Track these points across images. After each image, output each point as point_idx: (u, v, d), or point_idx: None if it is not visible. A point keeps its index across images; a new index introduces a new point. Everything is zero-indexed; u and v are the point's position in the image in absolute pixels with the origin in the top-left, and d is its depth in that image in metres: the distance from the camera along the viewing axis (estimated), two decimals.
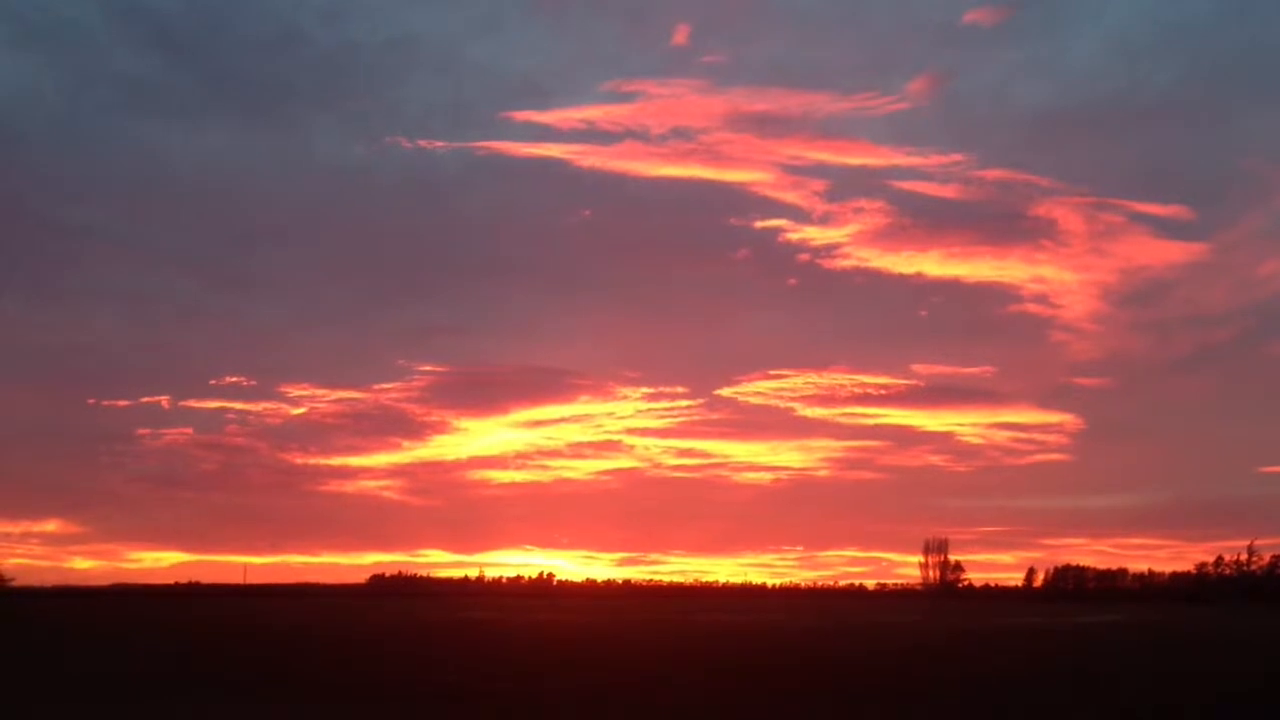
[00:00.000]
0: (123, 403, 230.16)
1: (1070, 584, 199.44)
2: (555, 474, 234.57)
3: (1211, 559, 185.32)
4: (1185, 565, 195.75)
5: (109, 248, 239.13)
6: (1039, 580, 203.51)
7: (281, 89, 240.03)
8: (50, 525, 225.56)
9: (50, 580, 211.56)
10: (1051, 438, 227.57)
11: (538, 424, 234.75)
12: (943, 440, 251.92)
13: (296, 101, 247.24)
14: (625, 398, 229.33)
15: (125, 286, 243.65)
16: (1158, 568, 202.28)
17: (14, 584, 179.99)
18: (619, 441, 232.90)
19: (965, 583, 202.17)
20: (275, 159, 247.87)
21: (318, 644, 48.16)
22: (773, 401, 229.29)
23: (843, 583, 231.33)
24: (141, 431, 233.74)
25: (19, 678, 31.07)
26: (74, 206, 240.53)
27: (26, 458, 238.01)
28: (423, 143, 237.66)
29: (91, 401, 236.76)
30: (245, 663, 36.93)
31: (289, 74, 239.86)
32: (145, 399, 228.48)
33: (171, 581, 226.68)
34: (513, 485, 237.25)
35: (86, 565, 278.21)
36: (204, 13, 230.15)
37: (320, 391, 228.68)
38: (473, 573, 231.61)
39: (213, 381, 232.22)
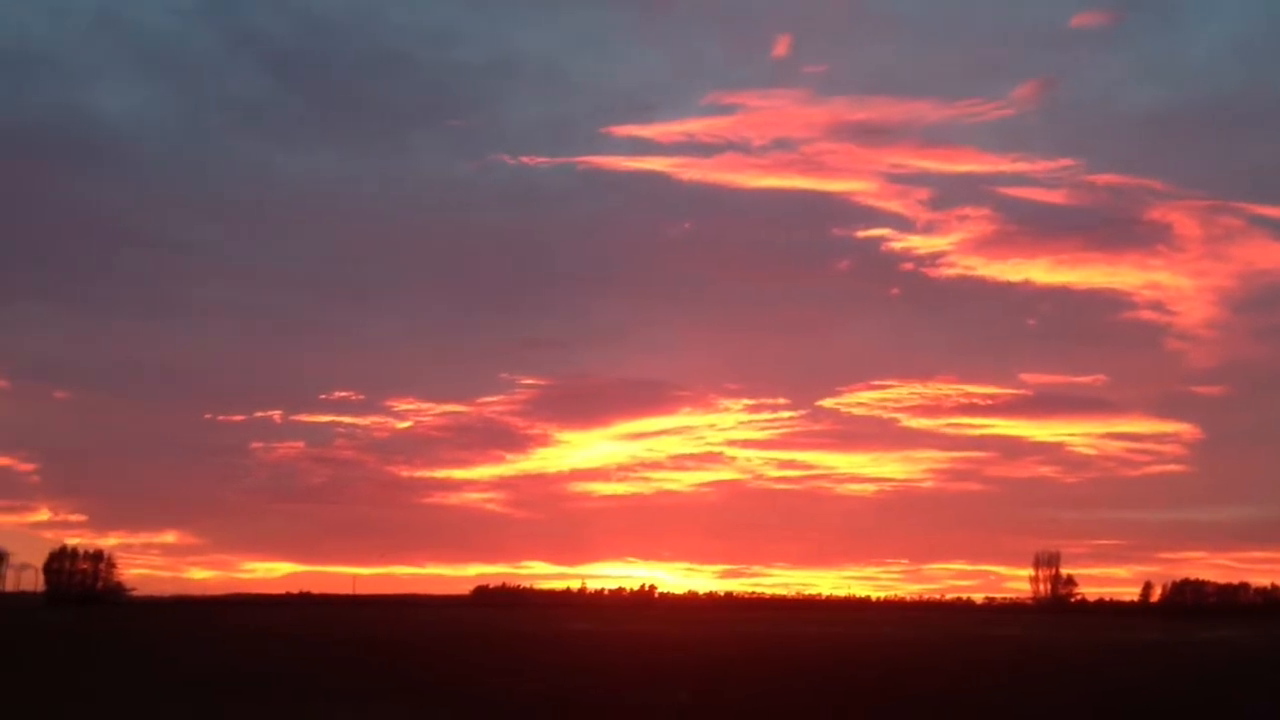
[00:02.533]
0: (237, 417, 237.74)
1: (1189, 599, 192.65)
2: (656, 486, 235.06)
3: None
4: None
5: (224, 266, 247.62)
6: (1156, 595, 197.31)
7: (388, 110, 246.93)
8: (169, 536, 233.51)
9: (169, 590, 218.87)
10: (1168, 448, 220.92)
11: (639, 436, 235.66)
12: (1053, 451, 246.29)
13: (403, 122, 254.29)
14: (727, 409, 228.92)
15: (239, 303, 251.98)
16: None
17: (135, 593, 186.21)
18: (720, 453, 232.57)
19: (1078, 597, 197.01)
20: (382, 178, 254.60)
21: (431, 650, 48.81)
22: (876, 412, 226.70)
23: (950, 596, 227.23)
24: (255, 445, 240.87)
25: (137, 680, 32.09)
26: (190, 226, 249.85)
27: (147, 471, 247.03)
28: (525, 159, 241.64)
29: (208, 416, 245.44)
30: (355, 668, 37.60)
31: (396, 95, 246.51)
32: (258, 413, 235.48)
33: (283, 592, 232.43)
34: (614, 497, 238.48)
35: (203, 575, 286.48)
36: (315, 39, 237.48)
37: (425, 405, 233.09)
38: (574, 585, 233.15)
39: (322, 396, 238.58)
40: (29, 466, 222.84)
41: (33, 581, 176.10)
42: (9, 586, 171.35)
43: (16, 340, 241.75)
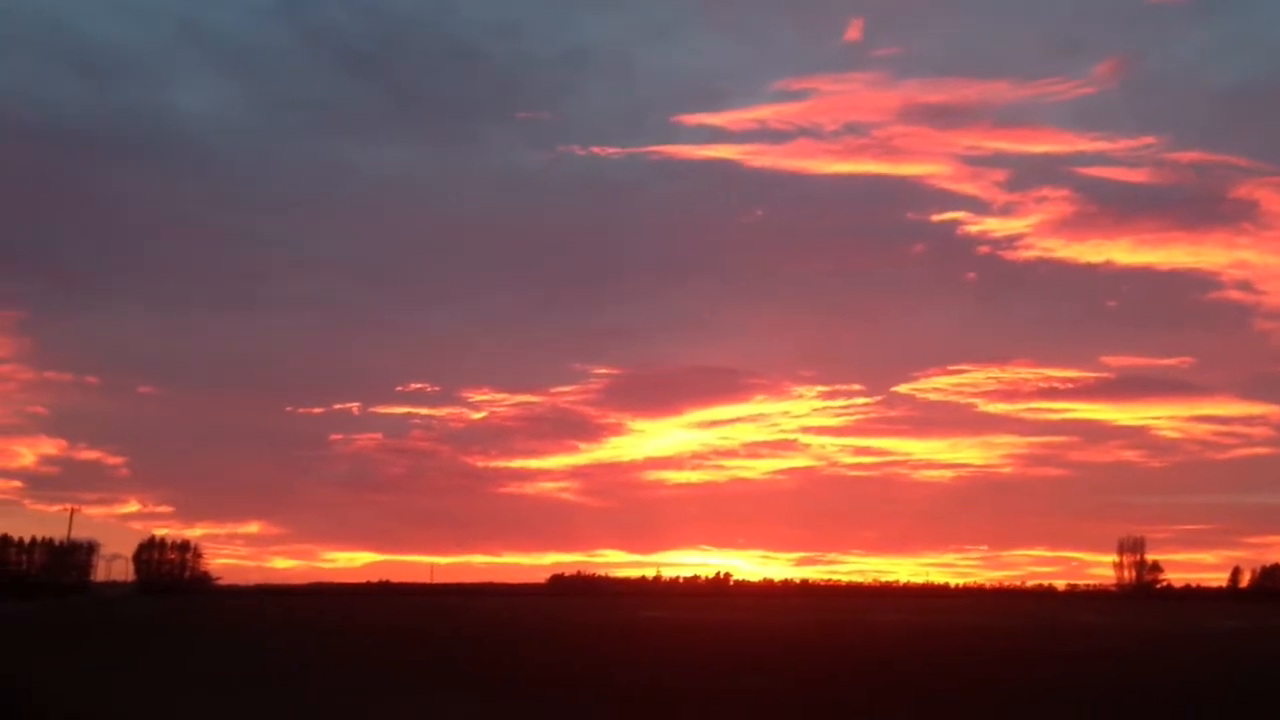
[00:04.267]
0: (317, 410, 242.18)
1: (1279, 584, 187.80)
2: (731, 474, 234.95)
3: None
4: None
5: (301, 261, 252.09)
6: (1245, 580, 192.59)
7: (459, 104, 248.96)
8: (253, 527, 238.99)
9: (253, 579, 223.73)
10: (1256, 430, 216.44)
11: (713, 424, 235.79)
12: (1137, 435, 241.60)
13: (473, 115, 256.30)
14: (800, 396, 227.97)
15: (316, 298, 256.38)
16: None
17: (221, 582, 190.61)
18: (795, 440, 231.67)
19: (1164, 583, 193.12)
20: (454, 172, 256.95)
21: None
22: (952, 398, 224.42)
23: (1030, 583, 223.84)
24: (334, 437, 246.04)
25: (217, 669, 33.10)
26: (267, 221, 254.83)
27: (231, 463, 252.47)
28: (596, 150, 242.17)
29: (288, 409, 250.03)
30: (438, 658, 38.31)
31: (466, 89, 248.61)
32: (337, 406, 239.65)
33: (363, 580, 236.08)
34: (688, 485, 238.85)
35: (286, 565, 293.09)
36: (385, 34, 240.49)
37: (499, 396, 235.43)
38: (650, 572, 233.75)
39: (399, 388, 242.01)
40: (118, 460, 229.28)
41: (123, 571, 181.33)
42: (100, 576, 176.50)
43: (104, 337, 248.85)
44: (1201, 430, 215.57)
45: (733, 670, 32.74)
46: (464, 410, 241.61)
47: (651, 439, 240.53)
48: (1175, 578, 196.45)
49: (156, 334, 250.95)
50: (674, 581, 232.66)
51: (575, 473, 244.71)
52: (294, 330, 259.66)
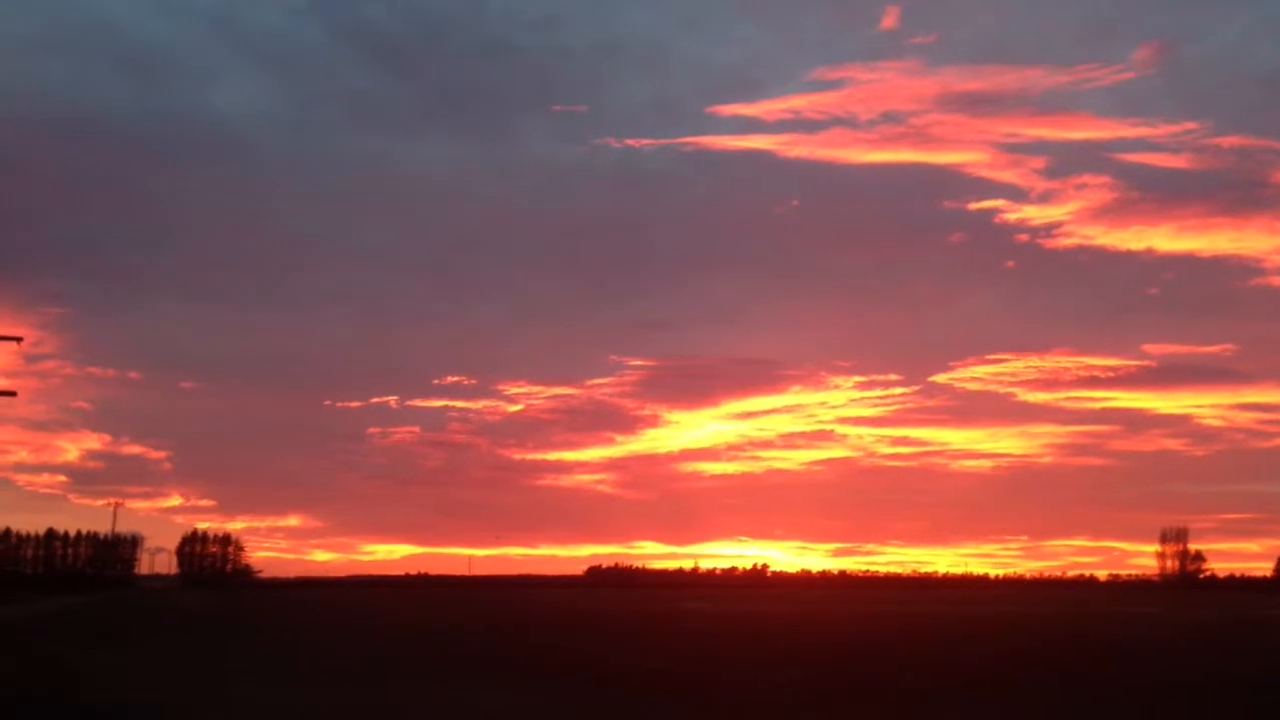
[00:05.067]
0: (355, 404, 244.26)
1: None
2: (767, 465, 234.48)
3: None
4: None
5: (338, 255, 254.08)
6: None
7: (495, 98, 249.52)
8: (293, 520, 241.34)
9: (293, 571, 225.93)
10: None
11: (749, 415, 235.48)
12: (1179, 423, 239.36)
13: (510, 109, 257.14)
14: (837, 387, 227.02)
15: (353, 291, 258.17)
16: None
17: (262, 575, 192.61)
18: (831, 431, 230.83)
19: (1207, 573, 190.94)
20: (490, 165, 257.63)
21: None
22: (991, 387, 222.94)
23: (1071, 573, 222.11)
24: (372, 431, 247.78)
25: (256, 662, 33.23)
26: (305, 216, 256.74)
27: (271, 457, 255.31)
28: (630, 142, 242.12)
29: (327, 403, 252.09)
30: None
31: (501, 83, 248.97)
32: (375, 400, 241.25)
33: (402, 573, 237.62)
34: (724, 477, 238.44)
35: (325, 558, 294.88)
36: (422, 29, 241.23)
37: (536, 389, 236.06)
38: (687, 564, 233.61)
39: (435, 381, 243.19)
40: (161, 454, 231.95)
41: (166, 564, 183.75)
42: (144, 569, 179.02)
43: (146, 333, 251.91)
44: (1245, 418, 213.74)
45: (769, 662, 32.50)
46: (501, 403, 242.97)
47: (688, 430, 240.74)
48: (1219, 567, 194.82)
49: (197, 329, 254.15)
50: (711, 573, 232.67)
51: (612, 465, 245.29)
52: (332, 325, 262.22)
